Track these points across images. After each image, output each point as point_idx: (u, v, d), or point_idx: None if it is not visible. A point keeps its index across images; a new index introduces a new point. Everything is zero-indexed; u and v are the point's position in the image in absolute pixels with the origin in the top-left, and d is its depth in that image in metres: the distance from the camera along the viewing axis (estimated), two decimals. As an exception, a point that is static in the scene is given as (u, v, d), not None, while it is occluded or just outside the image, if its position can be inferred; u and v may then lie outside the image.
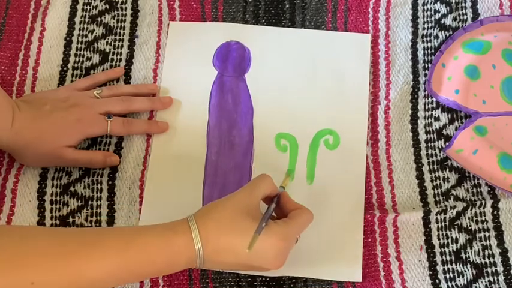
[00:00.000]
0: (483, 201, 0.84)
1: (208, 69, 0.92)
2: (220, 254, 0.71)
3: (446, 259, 0.81)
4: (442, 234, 0.82)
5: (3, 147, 0.83)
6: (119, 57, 0.93)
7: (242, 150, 0.88)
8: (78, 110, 0.84)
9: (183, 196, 0.85)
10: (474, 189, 0.85)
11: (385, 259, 0.82)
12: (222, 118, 0.89)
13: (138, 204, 0.85)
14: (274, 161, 0.87)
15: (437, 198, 0.85)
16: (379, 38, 0.93)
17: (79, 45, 0.93)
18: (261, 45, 0.93)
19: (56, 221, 0.84)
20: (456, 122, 0.88)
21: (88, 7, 0.95)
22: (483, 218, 0.83)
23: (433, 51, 0.92)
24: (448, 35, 0.93)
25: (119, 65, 0.92)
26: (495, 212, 0.83)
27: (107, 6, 0.95)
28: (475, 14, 0.94)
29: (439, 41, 0.92)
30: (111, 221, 0.84)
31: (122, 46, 0.93)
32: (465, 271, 0.81)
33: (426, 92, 0.90)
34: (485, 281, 0.80)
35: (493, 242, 0.82)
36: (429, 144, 0.88)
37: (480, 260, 0.81)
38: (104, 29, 0.94)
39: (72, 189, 0.85)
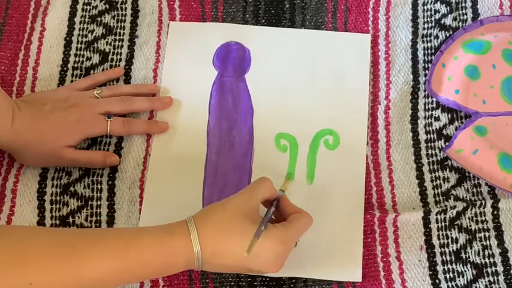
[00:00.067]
0: (483, 201, 0.84)
1: (208, 70, 0.92)
2: (218, 256, 0.71)
3: (446, 259, 0.81)
4: (442, 234, 0.82)
5: (3, 147, 0.83)
6: (119, 57, 0.93)
7: (242, 150, 0.88)
8: (78, 110, 0.84)
9: (183, 196, 0.85)
10: (474, 189, 0.85)
11: (385, 259, 0.82)
12: (222, 118, 0.89)
13: (138, 204, 0.85)
14: (274, 161, 0.87)
15: (437, 198, 0.85)
16: (379, 38, 0.93)
17: (79, 45, 0.93)
18: (261, 45, 0.93)
19: (56, 221, 0.84)
20: (456, 122, 0.88)
21: (88, 7, 0.95)
22: (483, 218, 0.83)
23: (433, 51, 0.92)
24: (448, 35, 0.93)
25: (119, 65, 0.92)
26: (495, 212, 0.83)
27: (107, 6, 0.95)
28: (475, 14, 0.94)
29: (439, 41, 0.92)
30: (111, 221, 0.84)
31: (122, 46, 0.93)
32: (465, 271, 0.81)
33: (426, 92, 0.90)
34: (485, 281, 0.80)
35: (493, 242, 0.82)
36: (429, 144, 0.88)
37: (480, 260, 0.81)
38: (104, 29, 0.94)
39: (72, 189, 0.85)
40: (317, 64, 0.92)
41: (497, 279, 0.80)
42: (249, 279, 0.81)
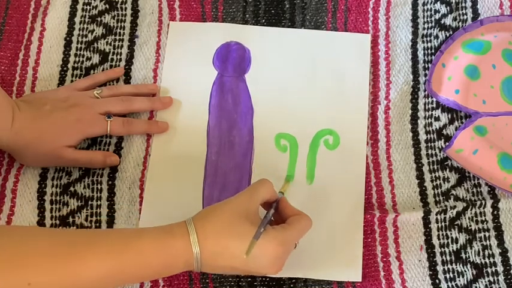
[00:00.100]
0: (483, 201, 0.84)
1: (208, 70, 0.92)
2: (217, 258, 0.71)
3: (446, 259, 0.81)
4: (442, 234, 0.82)
5: (3, 147, 0.83)
6: (119, 57, 0.93)
7: (242, 150, 0.88)
8: (78, 110, 0.84)
9: (183, 196, 0.85)
10: (474, 189, 0.85)
11: (385, 259, 0.82)
12: (222, 118, 0.89)
13: (138, 204, 0.85)
14: (274, 161, 0.87)
15: (437, 198, 0.85)
16: (379, 38, 0.93)
17: (79, 45, 0.93)
18: (261, 45, 0.93)
19: (56, 221, 0.84)
20: (456, 122, 0.88)
21: (88, 7, 0.95)
22: (483, 218, 0.83)
23: (433, 51, 0.92)
24: (448, 35, 0.93)
25: (119, 65, 0.92)
26: (495, 212, 0.83)
27: (107, 6, 0.95)
28: (475, 14, 0.94)
29: (439, 41, 0.92)
30: (111, 221, 0.84)
31: (122, 46, 0.93)
32: (465, 271, 0.81)
33: (426, 92, 0.90)
34: (485, 281, 0.80)
35: (493, 242, 0.82)
36: (429, 144, 0.88)
37: (480, 260, 0.81)
38: (104, 29, 0.94)
39: (72, 189, 0.85)
40: (317, 64, 0.92)
41: (497, 279, 0.80)
42: (249, 279, 0.81)
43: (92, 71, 0.92)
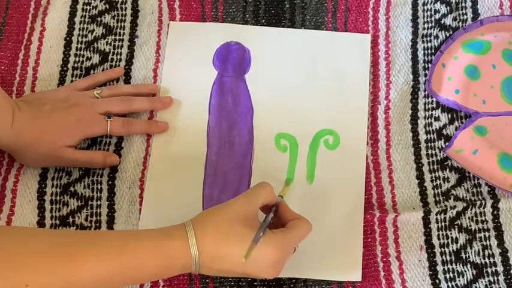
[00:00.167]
0: (483, 201, 0.84)
1: (208, 70, 0.92)
2: (216, 261, 0.71)
3: (446, 259, 0.81)
4: (442, 234, 0.82)
5: (3, 147, 0.83)
6: (119, 57, 0.93)
7: (242, 150, 0.88)
8: (78, 110, 0.84)
9: (183, 196, 0.85)
10: (474, 189, 0.85)
11: (385, 259, 0.82)
12: (222, 118, 0.89)
13: (138, 204, 0.85)
14: (274, 161, 0.87)
15: (437, 198, 0.85)
16: (379, 38, 0.93)
17: (79, 45, 0.93)
18: (261, 45, 0.93)
19: (56, 221, 0.84)
20: (456, 122, 0.89)
21: (88, 7, 0.95)
22: (483, 218, 0.83)
23: (433, 51, 0.92)
24: (448, 35, 0.93)
25: (119, 65, 0.92)
26: (495, 212, 0.83)
27: (107, 6, 0.95)
28: (475, 14, 0.94)
29: (439, 41, 0.92)
30: (111, 221, 0.84)
31: (122, 46, 0.93)
32: (465, 271, 0.81)
33: (426, 92, 0.90)
34: (485, 281, 0.80)
35: (493, 242, 0.82)
36: (429, 144, 0.88)
37: (480, 260, 0.81)
38: (104, 29, 0.94)
39: (72, 189, 0.85)
40: (317, 64, 0.92)
41: (497, 279, 0.80)
42: (249, 279, 0.81)
43: (92, 71, 0.92)
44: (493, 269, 0.81)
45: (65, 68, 0.92)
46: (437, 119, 0.89)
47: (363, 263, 0.81)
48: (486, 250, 0.82)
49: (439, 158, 0.87)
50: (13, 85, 0.90)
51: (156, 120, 0.89)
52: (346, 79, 0.91)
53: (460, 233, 0.82)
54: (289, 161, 0.87)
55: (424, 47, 0.92)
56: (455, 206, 0.83)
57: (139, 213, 0.84)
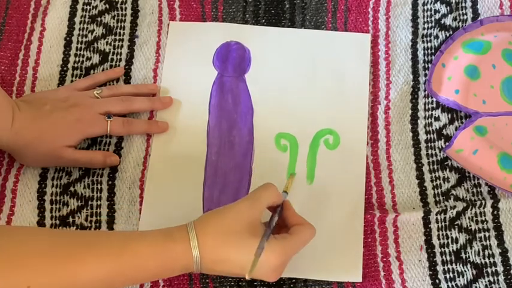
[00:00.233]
0: (483, 201, 0.84)
1: (208, 69, 0.92)
2: (217, 263, 0.71)
3: (446, 259, 0.81)
4: (442, 234, 0.82)
5: (3, 147, 0.83)
6: (119, 57, 0.93)
7: (242, 151, 0.88)
8: (78, 110, 0.84)
9: (183, 196, 0.85)
10: (474, 189, 0.85)
11: (385, 259, 0.82)
12: (222, 118, 0.89)
13: (138, 204, 0.85)
14: (274, 161, 0.87)
15: (437, 198, 0.85)
16: (379, 38, 0.93)
17: (79, 45, 0.93)
18: (261, 45, 0.93)
19: (56, 221, 0.84)
20: (456, 122, 0.89)
21: (88, 7, 0.95)
22: (483, 218, 0.83)
23: (433, 51, 0.92)
24: (448, 35, 0.93)
25: (119, 65, 0.92)
26: (495, 212, 0.83)
27: (107, 6, 0.95)
28: (475, 14, 0.94)
29: (439, 41, 0.92)
30: (111, 221, 0.84)
31: (122, 46, 0.93)
32: (465, 271, 0.81)
33: (426, 92, 0.90)
34: (485, 281, 0.80)
35: (493, 242, 0.82)
36: (429, 144, 0.88)
37: (480, 260, 0.81)
38: (104, 29, 0.94)
39: (72, 189, 0.85)
40: (317, 64, 0.92)
41: (497, 279, 0.80)
42: (249, 279, 0.81)
43: (92, 71, 0.92)
44: (493, 269, 0.81)
45: (65, 68, 0.92)
46: (437, 119, 0.89)
47: (363, 263, 0.81)
48: (486, 250, 0.82)
49: (439, 158, 0.87)
50: (13, 85, 0.90)
51: (156, 120, 0.89)
52: (346, 79, 0.91)
53: (460, 233, 0.82)
54: (290, 161, 0.87)
55: (424, 47, 0.92)
56: (455, 206, 0.83)
57: (140, 213, 0.84)
